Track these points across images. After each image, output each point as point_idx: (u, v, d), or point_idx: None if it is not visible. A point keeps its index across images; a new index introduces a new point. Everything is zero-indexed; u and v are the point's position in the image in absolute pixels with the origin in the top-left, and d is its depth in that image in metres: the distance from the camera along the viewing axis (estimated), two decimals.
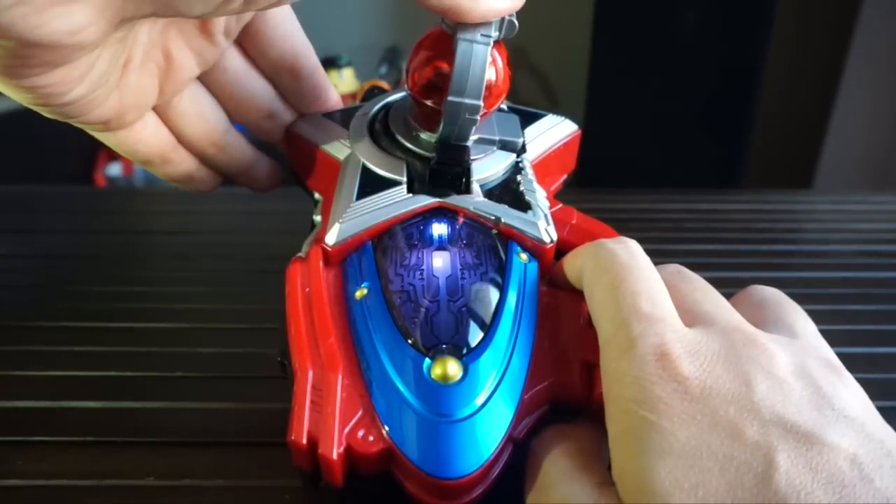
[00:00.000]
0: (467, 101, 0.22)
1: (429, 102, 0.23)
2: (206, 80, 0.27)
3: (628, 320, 0.18)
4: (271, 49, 0.27)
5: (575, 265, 0.22)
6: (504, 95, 0.24)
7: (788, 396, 0.16)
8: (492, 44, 0.22)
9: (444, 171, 0.24)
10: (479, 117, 0.23)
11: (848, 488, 0.14)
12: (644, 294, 0.19)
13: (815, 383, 0.16)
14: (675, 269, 0.21)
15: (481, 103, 0.22)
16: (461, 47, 0.22)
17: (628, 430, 0.16)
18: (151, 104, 0.25)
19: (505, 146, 0.25)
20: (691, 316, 0.19)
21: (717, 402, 0.16)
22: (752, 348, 0.17)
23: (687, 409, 0.16)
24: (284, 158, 0.30)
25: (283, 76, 0.28)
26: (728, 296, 0.21)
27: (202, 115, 0.27)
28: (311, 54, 0.28)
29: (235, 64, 0.27)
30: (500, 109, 0.27)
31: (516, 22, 0.22)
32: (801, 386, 0.16)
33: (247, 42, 0.27)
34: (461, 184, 0.24)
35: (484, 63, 0.22)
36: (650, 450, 0.15)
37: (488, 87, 0.23)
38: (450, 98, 0.22)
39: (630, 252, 0.20)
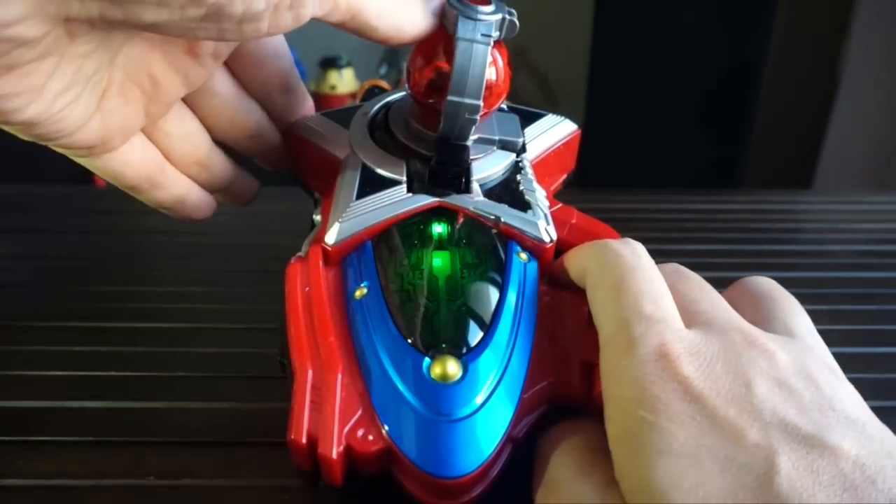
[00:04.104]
0: (467, 100, 0.22)
1: (429, 102, 0.23)
2: (192, 101, 0.26)
3: (630, 321, 0.18)
4: (262, 70, 0.26)
5: (578, 263, 0.22)
6: (504, 95, 0.24)
7: (789, 398, 0.16)
8: (492, 44, 0.22)
9: (443, 171, 0.24)
10: (478, 117, 0.23)
11: (849, 491, 0.14)
12: (647, 295, 0.18)
13: (815, 384, 0.16)
14: (673, 268, 0.21)
15: (481, 103, 0.22)
16: (461, 47, 0.22)
17: (627, 431, 0.16)
18: (137, 128, 0.24)
19: (505, 146, 0.25)
20: (689, 316, 0.19)
21: (717, 403, 0.16)
22: (751, 349, 0.17)
23: (686, 409, 0.16)
24: (263, 171, 0.30)
25: (272, 95, 0.27)
26: None
27: (187, 136, 0.26)
28: (294, 67, 0.27)
29: (224, 86, 0.26)
30: (500, 109, 0.27)
31: (517, 22, 0.22)
32: (802, 387, 0.16)
33: (236, 63, 0.26)
34: (461, 183, 0.24)
35: (484, 63, 0.22)
36: (649, 449, 0.15)
37: (488, 87, 0.23)
38: (450, 98, 0.22)
39: (635, 253, 0.20)
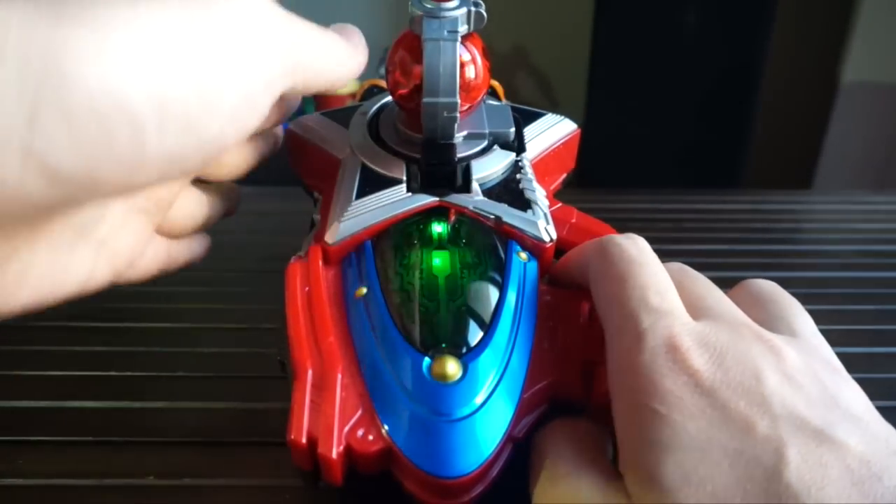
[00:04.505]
0: (442, 100, 0.22)
1: (411, 106, 0.23)
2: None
3: (637, 313, 0.18)
4: (264, 142, 0.26)
5: (580, 260, 0.22)
6: (485, 88, 0.24)
7: (798, 392, 0.16)
8: (459, 39, 0.22)
9: (436, 171, 0.24)
10: (458, 114, 0.22)
11: (857, 486, 0.14)
12: (653, 288, 0.18)
13: (821, 382, 0.16)
14: (679, 266, 0.21)
15: (457, 101, 0.22)
16: (428, 47, 0.22)
17: (637, 424, 0.16)
18: (146, 244, 0.24)
19: (497, 138, 0.25)
20: (696, 311, 0.19)
21: (727, 395, 0.16)
22: (759, 343, 0.17)
23: (697, 401, 0.16)
24: (263, 171, 0.30)
25: (276, 148, 0.27)
26: None
27: (191, 215, 0.26)
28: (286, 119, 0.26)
29: (231, 160, 0.25)
30: (491, 100, 0.27)
31: (484, 13, 0.22)
32: (809, 383, 0.16)
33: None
34: (455, 181, 0.24)
35: (453, 60, 0.22)
36: (659, 443, 0.15)
37: (466, 82, 0.23)
38: (425, 99, 0.22)
39: (638, 247, 0.20)
